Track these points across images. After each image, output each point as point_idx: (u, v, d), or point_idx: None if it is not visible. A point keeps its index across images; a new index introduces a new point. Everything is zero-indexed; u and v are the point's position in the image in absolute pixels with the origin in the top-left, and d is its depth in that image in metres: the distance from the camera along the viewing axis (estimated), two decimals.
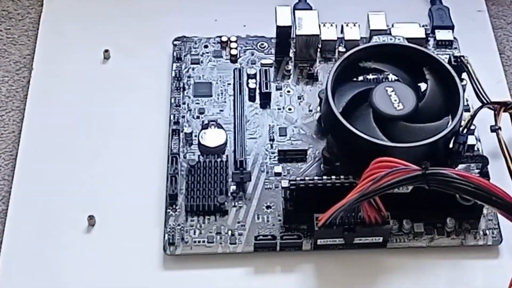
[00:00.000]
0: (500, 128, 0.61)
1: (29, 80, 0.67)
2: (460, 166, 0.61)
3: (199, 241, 0.58)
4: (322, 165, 0.61)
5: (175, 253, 0.58)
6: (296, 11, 0.67)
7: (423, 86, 0.62)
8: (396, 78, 0.63)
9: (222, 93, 0.66)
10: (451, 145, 0.59)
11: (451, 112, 0.59)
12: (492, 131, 0.61)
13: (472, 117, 0.61)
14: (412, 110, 0.59)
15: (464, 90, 0.61)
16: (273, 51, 0.68)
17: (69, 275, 0.58)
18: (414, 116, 0.59)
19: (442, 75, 0.61)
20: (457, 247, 0.59)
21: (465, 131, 0.60)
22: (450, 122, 0.59)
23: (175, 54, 0.68)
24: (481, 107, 0.62)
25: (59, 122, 0.65)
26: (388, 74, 0.64)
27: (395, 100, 0.59)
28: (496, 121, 0.61)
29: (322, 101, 0.61)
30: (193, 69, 0.67)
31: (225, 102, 0.66)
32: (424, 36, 0.67)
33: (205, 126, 0.64)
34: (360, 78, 0.64)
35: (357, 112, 0.59)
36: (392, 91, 0.59)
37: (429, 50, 0.64)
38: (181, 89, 0.66)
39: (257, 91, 0.66)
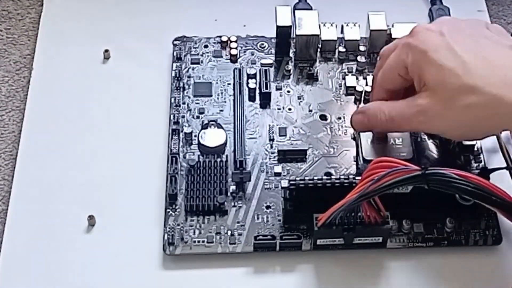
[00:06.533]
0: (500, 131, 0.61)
1: (29, 80, 0.67)
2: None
3: (198, 241, 0.58)
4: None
5: (174, 253, 0.58)
6: (296, 11, 0.67)
7: None
8: None
9: (222, 93, 0.66)
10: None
11: None
12: (492, 134, 0.61)
13: None
14: None
15: None
16: (273, 51, 0.68)
17: (69, 275, 0.58)
18: None
19: None
20: (457, 247, 0.59)
21: None
22: None
23: (175, 54, 0.68)
24: None
25: (59, 122, 0.65)
26: None
27: None
28: None
29: None
30: (193, 69, 0.67)
31: (225, 102, 0.66)
32: None
33: (205, 126, 0.64)
34: None
35: None
36: None
37: None
38: (181, 89, 0.66)
39: (257, 91, 0.66)
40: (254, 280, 0.58)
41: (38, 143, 0.64)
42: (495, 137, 0.61)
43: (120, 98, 0.66)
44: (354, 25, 0.68)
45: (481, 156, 0.62)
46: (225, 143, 0.63)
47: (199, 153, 0.62)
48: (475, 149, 0.62)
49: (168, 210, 0.60)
